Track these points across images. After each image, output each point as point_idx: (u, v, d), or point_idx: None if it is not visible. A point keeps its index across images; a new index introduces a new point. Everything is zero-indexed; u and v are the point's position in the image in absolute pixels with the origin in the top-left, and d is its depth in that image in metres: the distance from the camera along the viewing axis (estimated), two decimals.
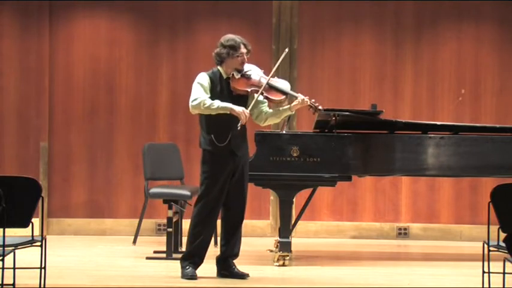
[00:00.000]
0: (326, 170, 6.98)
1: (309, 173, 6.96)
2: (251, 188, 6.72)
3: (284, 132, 7.06)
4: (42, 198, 5.36)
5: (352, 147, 7.02)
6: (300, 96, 6.35)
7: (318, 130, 7.36)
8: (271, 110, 6.47)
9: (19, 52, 8.82)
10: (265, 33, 8.94)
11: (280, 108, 6.44)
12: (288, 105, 6.40)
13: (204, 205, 6.33)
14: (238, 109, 6.17)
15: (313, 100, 6.43)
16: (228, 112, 6.17)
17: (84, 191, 8.88)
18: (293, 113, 6.49)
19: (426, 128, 7.36)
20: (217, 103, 6.19)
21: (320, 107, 6.44)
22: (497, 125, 7.65)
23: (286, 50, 6.55)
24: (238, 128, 6.16)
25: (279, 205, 7.25)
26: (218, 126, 6.25)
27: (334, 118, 7.02)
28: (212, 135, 6.27)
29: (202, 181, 6.34)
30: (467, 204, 8.89)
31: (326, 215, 8.94)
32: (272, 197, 8.80)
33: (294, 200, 7.13)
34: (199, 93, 6.24)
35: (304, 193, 7.27)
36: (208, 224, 6.35)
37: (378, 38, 8.95)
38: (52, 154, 8.86)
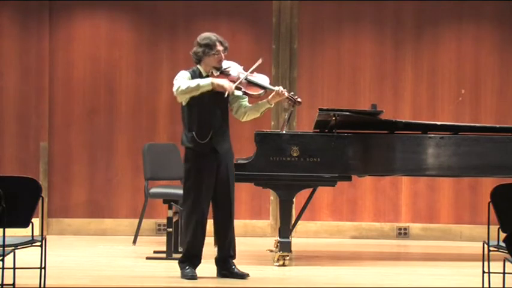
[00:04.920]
0: (326, 170, 6.98)
1: (309, 173, 6.96)
2: (251, 188, 6.73)
3: (284, 132, 7.06)
4: (42, 198, 5.37)
5: (352, 147, 7.02)
6: (278, 89, 6.35)
7: (318, 130, 7.36)
8: (250, 105, 6.47)
9: (19, 52, 8.82)
10: (265, 33, 8.94)
11: (259, 102, 6.44)
12: (266, 99, 6.40)
13: (190, 205, 6.33)
14: (220, 81, 6.19)
15: (292, 93, 6.45)
16: (211, 88, 6.17)
17: (84, 191, 8.88)
18: (271, 106, 6.44)
19: (426, 128, 7.36)
20: (197, 81, 6.21)
21: (299, 100, 6.46)
22: (497, 125, 7.65)
23: (260, 60, 6.50)
24: (226, 96, 6.16)
25: (279, 205, 7.25)
26: (199, 123, 6.26)
27: (334, 118, 7.02)
28: (193, 133, 6.28)
29: (186, 179, 6.36)
30: (467, 204, 8.89)
31: (326, 215, 8.94)
32: (272, 197, 8.80)
33: (294, 200, 7.13)
34: (181, 81, 6.26)
35: (304, 193, 7.27)
36: (197, 223, 6.32)
37: (378, 38, 8.95)
38: (52, 154, 8.86)
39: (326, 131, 7.29)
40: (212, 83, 6.18)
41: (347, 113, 7.07)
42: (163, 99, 8.89)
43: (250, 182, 7.07)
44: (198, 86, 6.20)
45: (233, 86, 6.19)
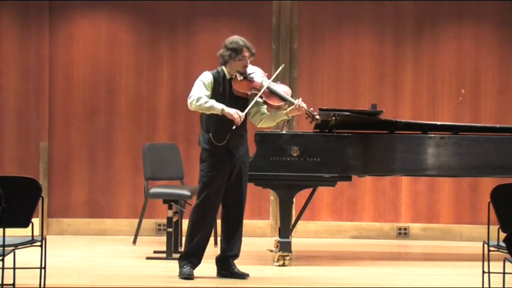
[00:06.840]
0: (326, 170, 6.98)
1: (309, 173, 6.96)
2: (251, 188, 6.72)
3: (284, 132, 7.06)
4: (42, 198, 5.37)
5: (352, 147, 7.02)
6: (298, 103, 6.35)
7: (318, 130, 7.36)
8: (268, 113, 6.48)
9: (19, 52, 8.82)
10: (265, 33, 8.93)
11: (277, 113, 6.45)
12: (285, 111, 6.41)
13: (201, 204, 6.33)
14: (230, 111, 6.17)
15: (311, 109, 6.43)
16: (220, 113, 6.18)
17: (84, 191, 8.88)
18: (289, 118, 6.51)
19: (426, 128, 7.36)
20: (211, 102, 6.20)
21: (317, 117, 6.44)
22: (497, 125, 7.65)
23: (282, 65, 6.62)
24: (233, 128, 6.17)
25: (279, 205, 7.25)
26: (217, 125, 6.26)
27: (334, 118, 7.02)
28: (211, 134, 6.28)
29: (200, 179, 6.36)
30: (467, 204, 8.89)
31: (326, 215, 8.94)
32: (272, 197, 8.80)
33: (294, 200, 7.13)
34: (198, 90, 6.26)
35: (304, 193, 7.27)
36: (205, 223, 6.34)
37: (378, 38, 8.95)
38: (52, 154, 8.86)
39: (326, 131, 7.29)
40: (222, 110, 6.17)
41: (347, 113, 7.07)
42: (163, 99, 8.90)
43: (250, 182, 7.05)
44: (209, 108, 6.19)
45: (242, 116, 6.17)
